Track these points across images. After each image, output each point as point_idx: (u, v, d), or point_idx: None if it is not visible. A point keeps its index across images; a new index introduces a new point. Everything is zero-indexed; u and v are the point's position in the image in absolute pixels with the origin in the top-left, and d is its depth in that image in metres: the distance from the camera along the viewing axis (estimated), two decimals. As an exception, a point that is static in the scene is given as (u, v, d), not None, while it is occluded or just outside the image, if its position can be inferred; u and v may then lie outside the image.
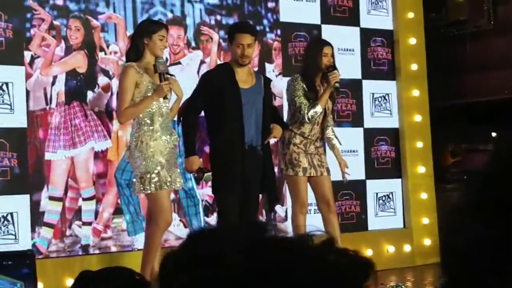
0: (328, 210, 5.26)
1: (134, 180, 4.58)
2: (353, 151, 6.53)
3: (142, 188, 4.45)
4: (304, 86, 5.15)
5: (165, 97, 4.49)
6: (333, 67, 5.10)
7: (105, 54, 5.53)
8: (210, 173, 4.66)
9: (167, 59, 5.38)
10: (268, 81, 5.03)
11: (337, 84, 5.07)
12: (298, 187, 5.17)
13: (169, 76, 4.58)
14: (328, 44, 5.28)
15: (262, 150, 4.77)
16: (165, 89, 4.43)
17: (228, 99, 4.65)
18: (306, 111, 5.06)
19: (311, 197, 5.32)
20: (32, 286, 2.05)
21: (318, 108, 5.07)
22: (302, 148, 5.16)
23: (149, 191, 4.45)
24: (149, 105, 4.47)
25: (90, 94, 5.45)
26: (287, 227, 6.11)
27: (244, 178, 4.65)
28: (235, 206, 4.65)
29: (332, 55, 5.22)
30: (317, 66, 5.15)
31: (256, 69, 6.13)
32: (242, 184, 4.65)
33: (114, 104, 5.48)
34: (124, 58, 5.22)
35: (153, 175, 4.42)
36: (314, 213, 5.63)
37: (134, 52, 4.58)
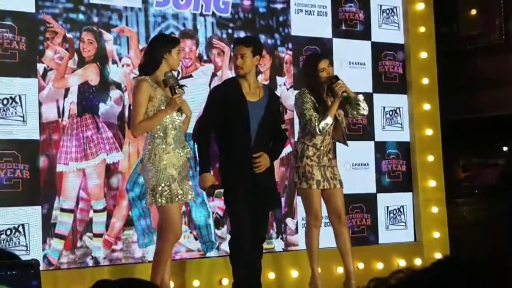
0: (339, 223, 5.25)
1: (147, 193, 4.60)
2: (364, 164, 6.52)
3: (153, 200, 4.47)
4: (313, 98, 5.16)
5: (179, 110, 4.52)
6: (335, 78, 5.10)
7: (118, 66, 5.56)
8: (221, 190, 4.69)
9: (178, 73, 5.42)
10: (276, 96, 5.07)
11: (344, 94, 5.07)
12: (312, 200, 5.17)
13: (180, 89, 4.61)
14: (322, 57, 5.30)
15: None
16: (177, 102, 4.46)
17: (235, 112, 4.69)
18: (316, 123, 5.07)
19: (323, 210, 5.32)
20: (36, 297, 2.04)
21: (329, 120, 5.08)
22: (315, 161, 5.16)
23: (159, 204, 4.46)
24: (162, 119, 4.50)
25: (102, 107, 5.47)
26: (298, 240, 6.11)
27: (253, 190, 4.68)
28: (248, 217, 4.67)
29: (330, 66, 5.23)
30: (317, 82, 5.17)
31: (267, 82, 6.15)
32: (251, 196, 4.68)
33: (126, 116, 5.51)
34: (136, 71, 5.26)
35: (165, 188, 4.44)
36: (325, 226, 5.62)
37: (150, 66, 4.60)
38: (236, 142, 4.68)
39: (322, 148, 5.20)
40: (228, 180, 4.76)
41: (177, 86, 4.56)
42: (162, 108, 4.53)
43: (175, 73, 4.83)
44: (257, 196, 4.71)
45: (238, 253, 4.72)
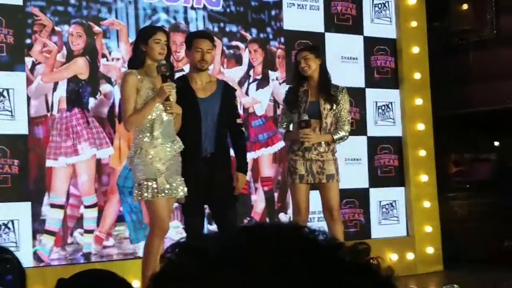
0: (331, 218, 5.20)
1: (134, 187, 4.53)
2: (357, 159, 6.49)
3: (139, 195, 4.40)
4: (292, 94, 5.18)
5: (167, 99, 4.42)
6: (305, 123, 5.03)
7: (107, 60, 5.49)
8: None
9: (171, 64, 5.32)
10: (229, 90, 4.89)
11: (306, 144, 5.04)
12: (294, 194, 5.15)
13: (171, 81, 4.51)
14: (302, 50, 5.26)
15: (216, 158, 4.68)
16: (166, 90, 4.36)
17: (186, 111, 4.55)
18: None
19: (317, 205, 5.27)
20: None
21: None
22: (299, 155, 5.09)
23: (146, 198, 4.39)
24: (152, 108, 4.41)
25: (91, 101, 5.40)
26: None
27: (202, 187, 4.61)
28: (199, 216, 4.71)
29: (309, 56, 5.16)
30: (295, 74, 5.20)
31: (259, 76, 6.10)
32: (202, 193, 4.62)
33: (116, 111, 5.44)
34: (126, 65, 5.18)
35: (151, 182, 4.36)
36: (318, 220, 5.57)
37: (135, 61, 4.52)
38: (187, 141, 4.55)
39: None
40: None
41: (169, 75, 4.45)
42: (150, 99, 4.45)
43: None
44: (211, 197, 4.66)
45: None
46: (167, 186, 4.40)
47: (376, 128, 6.65)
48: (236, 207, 4.78)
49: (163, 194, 4.38)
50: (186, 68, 5.77)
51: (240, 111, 5.98)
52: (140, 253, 5.28)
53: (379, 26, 6.77)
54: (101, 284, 1.63)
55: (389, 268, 0.80)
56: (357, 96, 6.49)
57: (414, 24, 6.87)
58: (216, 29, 5.93)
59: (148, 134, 4.42)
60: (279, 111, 6.13)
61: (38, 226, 5.11)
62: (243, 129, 4.99)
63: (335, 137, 5.07)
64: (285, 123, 5.21)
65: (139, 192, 4.38)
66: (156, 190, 4.36)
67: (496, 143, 8.12)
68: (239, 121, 4.88)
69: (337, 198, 5.22)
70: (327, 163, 5.14)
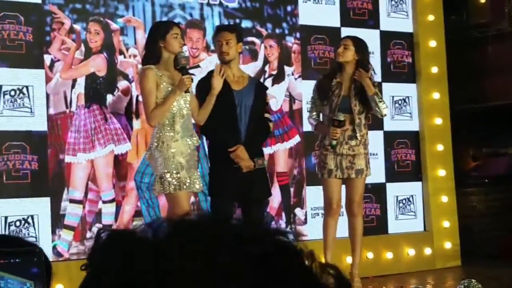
0: (350, 213, 5.27)
1: (155, 181, 4.58)
2: (373, 154, 6.49)
3: (161, 188, 4.44)
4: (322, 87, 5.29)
5: (186, 91, 4.47)
6: (339, 123, 5.08)
7: (125, 57, 5.54)
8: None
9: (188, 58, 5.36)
10: (262, 87, 5.01)
11: (333, 142, 5.09)
12: (325, 189, 5.21)
13: (189, 74, 4.54)
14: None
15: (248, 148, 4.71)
16: (186, 83, 4.41)
17: (222, 101, 4.62)
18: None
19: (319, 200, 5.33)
20: (41, 286, 2.02)
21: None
22: (330, 150, 5.12)
23: (168, 191, 4.44)
24: (173, 101, 4.46)
25: (109, 97, 5.46)
26: (307, 230, 6.09)
27: (239, 183, 4.63)
28: (229, 210, 4.68)
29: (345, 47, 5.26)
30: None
31: (275, 72, 6.12)
32: (238, 187, 4.64)
33: (133, 107, 5.49)
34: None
35: (173, 176, 4.42)
36: (341, 215, 5.57)
37: (151, 56, 4.56)
38: (224, 132, 4.62)
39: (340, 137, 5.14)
40: (215, 171, 4.75)
41: (188, 67, 4.51)
42: (170, 94, 4.50)
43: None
44: (242, 189, 4.67)
45: None
46: (188, 180, 4.45)
47: (393, 122, 6.64)
48: (264, 202, 4.86)
49: (184, 187, 4.43)
50: (202, 65, 5.81)
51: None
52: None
53: (395, 20, 6.75)
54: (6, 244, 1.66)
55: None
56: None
57: (431, 17, 6.84)
58: (232, 25, 5.95)
59: (169, 128, 4.47)
60: (295, 106, 6.15)
61: (58, 221, 5.18)
62: (271, 124, 5.03)
63: (378, 96, 5.10)
64: (315, 113, 5.23)
65: (161, 186, 4.43)
66: (178, 184, 4.41)
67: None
68: (267, 115, 4.93)
69: (361, 193, 5.27)
70: (358, 157, 5.16)
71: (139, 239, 0.77)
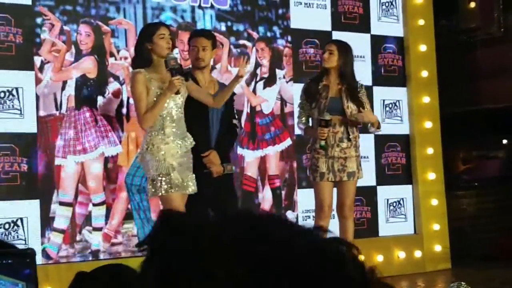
0: (341, 215, 5.27)
1: (147, 184, 4.56)
2: (364, 157, 6.49)
3: (154, 190, 4.43)
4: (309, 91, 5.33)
5: (177, 92, 4.46)
6: (325, 122, 5.08)
7: (115, 59, 5.52)
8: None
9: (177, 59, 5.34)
10: (232, 93, 4.98)
11: (322, 143, 5.10)
12: (317, 192, 5.21)
13: (181, 76, 4.50)
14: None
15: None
16: (176, 84, 4.39)
17: (194, 106, 4.62)
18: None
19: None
20: (33, 287, 2.02)
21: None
22: (322, 153, 5.12)
23: (160, 193, 4.42)
24: (164, 103, 4.45)
25: (100, 100, 5.43)
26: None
27: (210, 186, 4.69)
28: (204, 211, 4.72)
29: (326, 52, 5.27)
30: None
31: (266, 75, 6.12)
32: (209, 192, 4.69)
33: (124, 109, 5.47)
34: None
35: (165, 178, 4.40)
36: (333, 218, 5.57)
37: (141, 60, 4.55)
38: (197, 137, 4.62)
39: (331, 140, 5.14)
40: None
41: (178, 68, 4.47)
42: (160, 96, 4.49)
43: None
44: (212, 194, 4.71)
45: None
46: (180, 180, 4.44)
47: (384, 126, 6.63)
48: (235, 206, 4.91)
49: (176, 189, 4.42)
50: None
51: (247, 109, 6.01)
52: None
53: (386, 24, 6.77)
54: (119, 276, 1.65)
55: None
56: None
57: (421, 22, 6.87)
58: (223, 28, 5.95)
59: (159, 132, 4.46)
60: (286, 109, 6.15)
61: (47, 223, 5.15)
62: (238, 130, 5.13)
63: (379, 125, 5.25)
64: (303, 118, 5.24)
65: (153, 189, 4.41)
66: (170, 185, 4.39)
67: (504, 141, 8.10)
68: (235, 121, 5.01)
69: (353, 196, 5.27)
70: (349, 160, 5.16)
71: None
